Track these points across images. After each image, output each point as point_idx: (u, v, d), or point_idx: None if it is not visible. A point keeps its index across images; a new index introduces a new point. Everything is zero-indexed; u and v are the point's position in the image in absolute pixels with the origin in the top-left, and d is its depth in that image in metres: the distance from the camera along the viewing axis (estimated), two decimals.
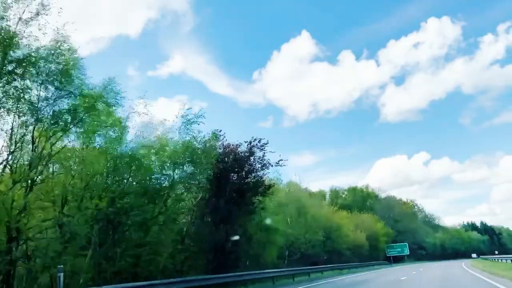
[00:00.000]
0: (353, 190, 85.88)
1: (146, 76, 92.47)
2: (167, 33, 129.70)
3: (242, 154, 22.90)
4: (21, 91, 13.22)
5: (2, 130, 13.37)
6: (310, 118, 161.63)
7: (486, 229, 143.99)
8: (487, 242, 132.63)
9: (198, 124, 19.48)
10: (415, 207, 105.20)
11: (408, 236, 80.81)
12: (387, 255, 68.61)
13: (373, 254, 62.03)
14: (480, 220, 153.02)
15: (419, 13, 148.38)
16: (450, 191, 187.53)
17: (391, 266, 55.46)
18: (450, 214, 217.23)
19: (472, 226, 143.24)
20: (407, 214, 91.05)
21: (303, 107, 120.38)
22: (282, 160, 24.40)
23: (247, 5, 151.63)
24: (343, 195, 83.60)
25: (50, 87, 13.99)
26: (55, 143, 14.51)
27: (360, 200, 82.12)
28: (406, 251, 68.73)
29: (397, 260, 70.22)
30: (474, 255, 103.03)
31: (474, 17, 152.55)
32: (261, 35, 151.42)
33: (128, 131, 17.14)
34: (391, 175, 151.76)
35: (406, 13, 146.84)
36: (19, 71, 13.09)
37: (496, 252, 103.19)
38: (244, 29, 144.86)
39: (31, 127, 13.83)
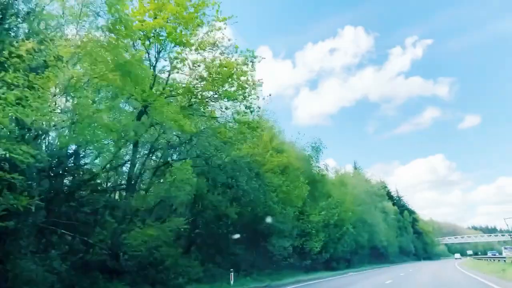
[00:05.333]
0: None
1: None
2: None
3: None
4: None
5: None
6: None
7: (391, 198, 76.65)
8: (395, 223, 67.72)
9: None
10: None
11: None
12: None
13: None
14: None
15: (337, 20, 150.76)
16: None
17: None
18: None
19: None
20: None
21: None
22: None
23: None
24: None
25: None
26: None
27: None
28: None
29: None
30: (457, 256, 75.97)
31: (386, 29, 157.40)
32: None
33: None
34: None
35: (325, 18, 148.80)
36: None
37: (470, 252, 74.62)
38: None
39: None
